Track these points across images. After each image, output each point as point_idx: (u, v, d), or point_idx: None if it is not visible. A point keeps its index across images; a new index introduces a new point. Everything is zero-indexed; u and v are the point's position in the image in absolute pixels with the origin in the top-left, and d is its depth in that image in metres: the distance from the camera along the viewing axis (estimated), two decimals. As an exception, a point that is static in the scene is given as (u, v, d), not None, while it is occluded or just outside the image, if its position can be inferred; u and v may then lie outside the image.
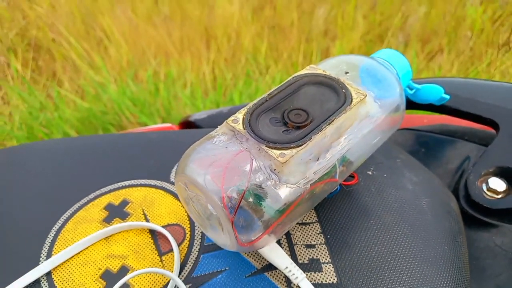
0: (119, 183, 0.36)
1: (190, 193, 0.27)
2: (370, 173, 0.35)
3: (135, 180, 0.36)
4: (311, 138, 0.26)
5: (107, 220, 0.34)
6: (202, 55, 1.66)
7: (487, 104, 0.39)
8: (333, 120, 0.27)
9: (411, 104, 0.40)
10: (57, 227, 0.33)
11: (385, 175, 0.35)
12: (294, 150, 0.26)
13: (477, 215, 0.36)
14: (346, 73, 0.32)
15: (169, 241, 0.31)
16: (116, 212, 0.34)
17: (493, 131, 0.40)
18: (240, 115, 0.28)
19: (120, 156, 0.38)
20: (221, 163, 0.26)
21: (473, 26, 2.02)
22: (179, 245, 0.31)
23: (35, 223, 0.34)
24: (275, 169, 0.25)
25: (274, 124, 0.28)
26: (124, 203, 0.35)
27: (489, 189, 0.36)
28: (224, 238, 0.27)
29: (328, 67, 0.33)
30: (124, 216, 0.34)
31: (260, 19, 1.93)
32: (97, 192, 0.36)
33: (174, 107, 1.44)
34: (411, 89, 0.38)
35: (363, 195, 0.33)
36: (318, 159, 0.27)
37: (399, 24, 2.06)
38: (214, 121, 0.48)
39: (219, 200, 0.25)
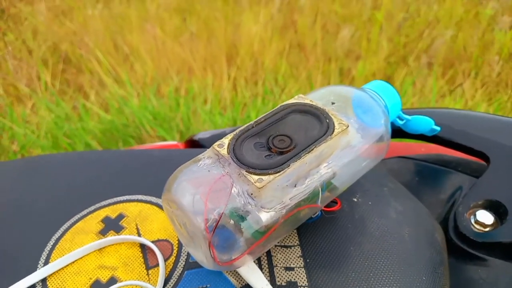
0: (117, 198, 0.38)
1: (174, 211, 0.29)
2: (355, 200, 0.36)
3: (133, 196, 0.38)
4: (289, 165, 0.28)
5: (103, 232, 0.36)
6: (224, 73, 1.70)
7: (478, 137, 0.40)
8: (312, 149, 0.29)
9: (403, 134, 0.41)
10: (57, 236, 0.35)
11: (370, 203, 0.35)
12: (271, 176, 0.27)
13: (464, 246, 0.36)
14: (333, 103, 0.33)
15: (157, 255, 0.33)
16: (112, 225, 0.36)
17: (484, 163, 0.40)
18: (226, 140, 0.30)
19: (121, 171, 0.41)
20: (203, 186, 0.27)
21: (501, 51, 1.99)
22: (166, 260, 0.33)
23: (37, 231, 0.36)
24: (252, 194, 0.27)
25: (258, 149, 0.30)
26: (120, 217, 0.37)
27: (477, 221, 0.37)
28: (202, 256, 0.29)
29: (317, 97, 0.34)
30: (118, 229, 0.36)
31: (283, 39, 1.97)
32: (97, 205, 0.38)
33: (193, 122, 1.48)
34: (402, 120, 0.39)
35: (345, 222, 0.34)
36: (295, 186, 0.28)
37: (424, 47, 2.05)
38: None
39: (198, 221, 0.27)
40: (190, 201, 0.27)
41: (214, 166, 0.28)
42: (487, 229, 0.36)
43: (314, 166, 0.29)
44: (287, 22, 2.14)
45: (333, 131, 0.30)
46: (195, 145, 0.52)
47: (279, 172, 0.27)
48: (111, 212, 0.37)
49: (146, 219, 0.36)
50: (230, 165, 0.28)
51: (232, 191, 0.27)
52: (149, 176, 0.40)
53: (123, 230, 0.36)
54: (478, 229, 0.37)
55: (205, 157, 0.29)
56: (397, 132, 0.42)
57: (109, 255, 0.34)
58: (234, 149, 0.29)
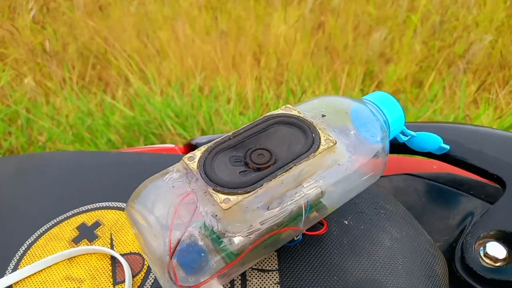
0: (97, 204, 0.36)
1: (134, 229, 0.27)
2: (346, 222, 0.32)
3: (113, 202, 0.37)
4: (262, 185, 0.25)
5: (76, 240, 0.34)
6: (249, 72, 1.68)
7: (494, 158, 0.35)
8: (291, 167, 0.26)
9: (410, 150, 0.37)
10: (30, 242, 0.34)
11: (362, 227, 0.32)
12: (240, 196, 0.24)
13: (470, 281, 0.32)
14: (323, 116, 0.30)
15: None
16: (87, 233, 0.34)
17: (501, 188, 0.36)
18: (198, 153, 0.27)
19: (105, 175, 0.39)
20: (164, 205, 0.25)
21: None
22: (134, 275, 0.31)
23: (11, 235, 0.35)
24: (216, 215, 0.24)
25: (234, 163, 0.27)
26: (96, 224, 0.35)
27: (486, 254, 0.33)
28: (161, 277, 0.26)
29: (307, 108, 0.31)
30: (92, 238, 0.34)
31: (312, 40, 1.92)
32: (75, 210, 0.36)
33: (215, 122, 1.47)
34: (406, 136, 0.35)
35: (332, 247, 0.31)
36: (268, 208, 0.25)
37: (460, 52, 1.96)
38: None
39: (153, 245, 0.24)
40: (148, 221, 0.25)
41: (180, 182, 0.26)
42: (498, 264, 0.32)
43: (292, 187, 0.26)
44: (317, 23, 2.10)
45: (318, 148, 0.27)
46: (193, 149, 0.50)
47: (249, 192, 0.24)
48: (88, 219, 0.35)
49: (121, 229, 0.34)
50: (197, 181, 0.26)
51: (197, 211, 0.25)
52: (133, 182, 0.38)
53: (96, 239, 0.34)
54: (487, 263, 0.33)
55: (174, 170, 0.27)
56: (403, 147, 0.38)
57: (79, 265, 0.32)
58: (205, 163, 0.26)
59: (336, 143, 0.27)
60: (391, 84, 1.74)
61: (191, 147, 0.50)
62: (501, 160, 0.35)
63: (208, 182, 0.25)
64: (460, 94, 1.61)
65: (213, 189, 0.25)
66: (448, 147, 0.34)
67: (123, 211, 0.36)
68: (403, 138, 0.35)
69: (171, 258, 0.24)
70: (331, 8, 2.20)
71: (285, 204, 0.26)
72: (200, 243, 0.25)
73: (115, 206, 0.36)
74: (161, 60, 1.72)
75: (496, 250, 0.32)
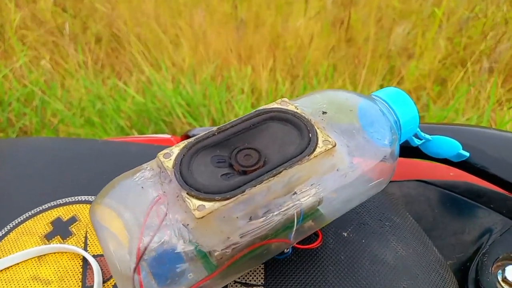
0: (75, 197, 0.34)
1: (98, 232, 0.23)
2: (345, 234, 0.29)
3: (93, 197, 0.34)
4: (244, 191, 0.21)
5: (49, 237, 0.31)
6: (265, 64, 1.64)
7: (521, 170, 0.31)
8: (281, 171, 0.22)
9: (423, 155, 0.33)
10: (0, 235, 0.31)
11: (363, 241, 0.28)
12: (217, 204, 0.21)
13: (485, 308, 0.28)
14: (324, 113, 0.26)
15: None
16: (61, 229, 0.32)
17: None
18: (176, 149, 0.24)
19: (87, 166, 0.36)
20: (131, 208, 0.22)
21: None
22: (105, 281, 0.28)
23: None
24: (188, 225, 0.21)
25: (216, 164, 0.24)
26: (72, 220, 0.32)
27: (505, 279, 0.28)
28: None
29: (306, 103, 0.27)
30: (66, 235, 0.31)
31: (333, 32, 1.87)
32: (52, 203, 0.33)
33: (226, 113, 1.43)
34: (420, 139, 0.31)
35: (327, 262, 0.27)
36: (250, 219, 0.22)
37: (487, 50, 1.87)
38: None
39: (121, 252, 0.21)
40: (114, 226, 0.21)
41: (151, 182, 0.23)
42: (518, 291, 0.28)
43: (280, 195, 0.22)
44: (340, 15, 2.03)
45: (314, 150, 0.23)
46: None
47: (228, 198, 0.21)
48: (64, 213, 0.33)
49: (98, 228, 0.31)
50: (170, 183, 0.22)
51: (166, 219, 0.21)
52: (116, 174, 0.35)
53: (70, 237, 0.31)
54: (506, 289, 0.28)
55: (147, 168, 0.24)
56: (416, 151, 0.34)
57: (48, 265, 0.29)
58: (182, 162, 0.23)
59: (335, 146, 0.23)
60: (412, 81, 1.68)
61: (188, 138, 0.47)
62: (529, 172, 0.30)
63: (182, 184, 0.22)
64: (484, 95, 1.54)
65: (187, 193, 0.21)
66: (467, 154, 0.30)
67: (102, 207, 0.33)
68: (417, 142, 0.31)
69: (134, 271, 0.21)
70: (354, 0, 2.12)
71: (271, 215, 0.22)
72: (177, 252, 0.21)
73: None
74: (176, 48, 1.69)
75: (517, 275, 0.28)
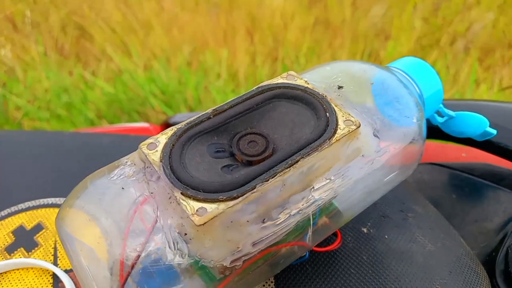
0: (40, 200, 0.28)
1: (67, 245, 0.18)
2: (365, 230, 0.25)
3: (61, 199, 0.28)
4: (254, 187, 0.17)
5: (10, 250, 0.26)
6: (242, 47, 1.58)
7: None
8: (297, 161, 0.18)
9: (440, 134, 0.29)
10: None
11: (386, 237, 0.24)
12: (222, 205, 0.16)
13: (519, 304, 0.25)
14: (340, 87, 0.22)
15: (68, 295, 0.23)
16: (24, 239, 0.26)
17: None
18: (163, 137, 0.19)
19: (53, 163, 0.31)
20: (109, 214, 0.17)
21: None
22: (81, 302, 0.23)
23: None
24: (186, 234, 0.16)
25: (213, 154, 0.19)
26: (37, 228, 0.27)
27: (542, 271, 0.25)
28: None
29: (317, 77, 0.23)
30: (31, 246, 0.26)
31: (309, 14, 1.82)
32: (12, 209, 0.28)
33: (203, 99, 1.38)
34: (442, 116, 0.27)
35: (348, 265, 0.23)
36: (264, 221, 0.17)
37: (462, 30, 1.88)
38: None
39: (96, 270, 0.16)
40: (86, 237, 0.17)
41: (134, 181, 0.18)
42: (557, 283, 0.25)
43: (298, 189, 0.18)
44: (314, -4, 1.99)
45: (335, 133, 0.19)
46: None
47: (235, 198, 0.16)
48: (28, 220, 0.27)
49: (69, 236, 0.26)
50: (158, 181, 0.17)
51: (157, 227, 0.16)
52: (88, 171, 0.30)
53: (36, 248, 0.26)
54: (542, 281, 0.25)
55: (127, 163, 0.19)
56: (432, 131, 0.30)
57: (10, 283, 0.24)
58: (171, 154, 0.18)
59: (359, 126, 0.19)
60: (388, 61, 1.66)
61: (168, 127, 0.42)
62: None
63: (174, 182, 0.17)
64: (463, 74, 1.54)
65: (181, 193, 0.16)
66: (494, 131, 0.26)
67: (73, 210, 0.28)
68: (439, 120, 0.27)
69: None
70: (331, -19, 2.08)
71: (288, 215, 0.18)
72: (170, 265, 0.17)
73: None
74: (146, 33, 1.61)
75: (555, 265, 0.25)
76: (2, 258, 0.25)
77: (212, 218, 0.16)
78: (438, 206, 0.32)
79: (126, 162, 0.19)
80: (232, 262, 0.16)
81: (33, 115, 1.30)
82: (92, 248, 0.17)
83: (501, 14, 1.96)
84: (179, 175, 0.17)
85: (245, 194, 0.16)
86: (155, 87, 1.36)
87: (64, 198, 0.28)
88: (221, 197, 0.16)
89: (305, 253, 0.22)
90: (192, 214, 0.16)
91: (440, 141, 0.33)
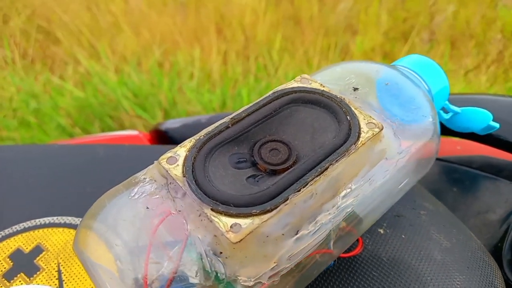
0: (36, 220, 0.26)
1: (88, 269, 0.17)
2: (381, 231, 0.24)
3: (59, 217, 0.27)
4: (287, 199, 0.16)
5: (9, 276, 0.24)
6: (213, 46, 1.56)
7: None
8: (326, 168, 0.17)
9: (442, 129, 0.30)
10: None
11: (403, 236, 0.24)
12: (256, 220, 0.15)
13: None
14: (356, 89, 0.21)
15: (80, 321, 0.22)
16: (24, 263, 0.25)
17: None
18: (182, 150, 0.18)
19: (47, 179, 0.29)
20: (132, 234, 0.16)
21: (504, 28, 1.89)
22: (95, 327, 0.22)
23: None
24: (221, 253, 0.15)
25: (235, 165, 0.18)
26: (37, 251, 0.25)
27: (550, 259, 0.26)
28: None
29: (329, 79, 0.22)
30: (32, 271, 0.24)
31: (278, 10, 1.83)
32: (7, 231, 0.26)
33: (179, 100, 1.35)
34: (447, 112, 0.27)
35: (370, 268, 0.22)
36: (297, 233, 0.17)
37: (425, 22, 1.93)
38: (190, 132, 0.38)
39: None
40: (108, 260, 0.15)
41: (157, 199, 0.17)
42: None
43: (329, 198, 0.17)
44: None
45: (359, 137, 0.18)
46: (162, 137, 0.40)
47: (269, 211, 0.16)
48: (25, 242, 0.25)
49: (73, 256, 0.25)
50: (185, 198, 0.16)
51: (188, 245, 0.16)
52: (85, 186, 0.28)
53: (38, 273, 0.24)
54: (549, 269, 0.26)
55: (146, 180, 0.18)
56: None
57: (12, 315, 0.23)
58: (194, 168, 0.17)
59: (382, 129, 0.19)
60: (359, 56, 1.69)
61: (159, 134, 0.40)
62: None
63: (202, 197, 0.16)
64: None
65: (211, 210, 0.16)
66: (497, 125, 0.27)
67: (75, 229, 0.26)
68: (444, 116, 0.27)
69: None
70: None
71: (320, 225, 0.17)
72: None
73: (63, 222, 0.26)
74: (114, 35, 1.57)
75: (561, 253, 0.26)
76: (2, 286, 0.24)
77: (248, 234, 0.15)
78: (440, 200, 0.32)
79: (145, 178, 0.18)
80: (269, 278, 0.16)
81: (0, 124, 1.24)
82: (117, 273, 0.16)
83: (461, 6, 2.04)
84: (205, 189, 0.16)
85: (278, 206, 0.16)
86: (127, 91, 1.32)
87: (63, 217, 0.27)
88: (254, 211, 0.16)
89: (330, 262, 0.21)
90: (227, 231, 0.15)
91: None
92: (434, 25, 1.95)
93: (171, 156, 0.17)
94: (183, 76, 1.41)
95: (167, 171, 0.17)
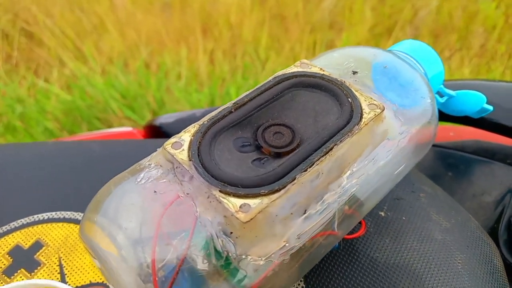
0: (35, 216, 0.26)
1: (94, 259, 0.17)
2: (383, 214, 0.25)
3: (58, 212, 0.26)
4: (294, 178, 0.16)
5: (9, 272, 0.24)
6: (199, 45, 1.56)
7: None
8: (331, 148, 0.17)
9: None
10: None
11: (403, 218, 0.24)
12: (265, 199, 0.15)
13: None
14: (355, 73, 0.22)
15: (86, 313, 0.21)
16: (24, 259, 0.24)
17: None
18: (186, 135, 0.18)
19: (45, 175, 0.28)
20: (143, 222, 0.16)
21: (486, 22, 1.92)
22: (101, 319, 0.22)
23: None
24: (231, 233, 0.15)
25: (240, 148, 0.18)
26: (36, 246, 0.25)
27: (545, 237, 0.26)
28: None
29: (328, 64, 0.22)
30: (33, 266, 0.24)
31: (263, 8, 1.83)
32: (5, 228, 0.26)
33: (167, 100, 1.34)
34: (442, 96, 0.27)
35: (372, 250, 0.23)
36: (305, 212, 0.17)
37: (409, 17, 1.95)
38: (185, 127, 0.38)
39: (130, 279, 0.15)
40: (117, 245, 0.15)
41: (165, 183, 0.17)
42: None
43: (335, 177, 0.18)
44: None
45: (361, 118, 0.19)
46: (156, 132, 0.40)
47: (278, 190, 0.16)
48: (24, 238, 0.25)
49: (74, 250, 0.25)
50: (192, 181, 0.16)
51: (197, 226, 0.16)
52: (82, 182, 0.28)
53: (39, 268, 0.24)
54: (545, 246, 0.26)
55: (152, 165, 0.18)
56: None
57: (15, 311, 0.22)
58: (200, 152, 0.17)
59: (384, 109, 0.19)
60: (346, 52, 1.70)
61: (153, 129, 0.40)
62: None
63: (210, 180, 0.16)
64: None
65: (220, 191, 0.16)
66: (491, 108, 0.27)
67: (74, 223, 0.26)
68: (439, 100, 0.27)
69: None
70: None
71: (327, 204, 0.17)
72: (201, 271, 0.16)
73: (62, 217, 0.26)
74: (100, 36, 1.55)
75: (556, 230, 0.26)
76: (2, 283, 0.23)
77: (257, 214, 0.15)
78: (436, 184, 0.32)
79: (150, 164, 0.18)
80: (279, 256, 0.16)
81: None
82: (122, 255, 0.16)
83: (444, 1, 2.06)
84: (213, 172, 0.16)
85: (286, 186, 0.16)
86: (114, 92, 1.31)
87: (61, 212, 0.26)
88: (263, 191, 0.16)
89: (336, 243, 0.21)
90: (236, 211, 0.15)
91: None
92: (418, 20, 1.97)
93: (176, 142, 0.17)
94: (171, 76, 1.41)
95: (172, 156, 0.17)
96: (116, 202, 0.17)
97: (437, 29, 1.94)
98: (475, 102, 0.27)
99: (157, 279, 0.15)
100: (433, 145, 0.35)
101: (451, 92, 0.27)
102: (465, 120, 0.31)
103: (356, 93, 0.20)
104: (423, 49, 0.25)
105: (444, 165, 0.34)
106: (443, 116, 0.31)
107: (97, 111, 1.31)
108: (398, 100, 0.21)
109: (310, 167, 0.17)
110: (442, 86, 0.26)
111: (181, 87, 1.37)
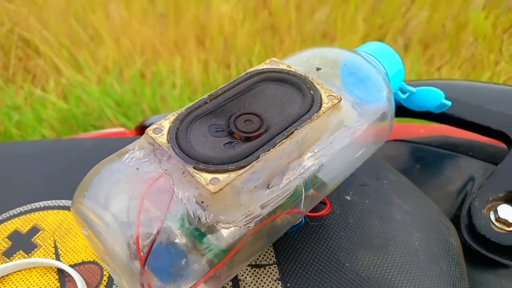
0: (32, 204, 0.28)
1: (86, 231, 0.20)
2: (348, 198, 0.27)
3: (53, 201, 0.29)
4: (258, 157, 0.19)
5: (8, 254, 0.26)
6: (193, 55, 1.59)
7: (497, 113, 0.32)
8: (292, 132, 0.20)
9: (403, 111, 0.33)
10: None
11: (367, 202, 0.27)
12: (232, 174, 0.18)
13: (482, 251, 0.29)
14: (318, 69, 0.24)
15: (77, 285, 0.24)
16: (22, 242, 0.27)
17: (504, 146, 0.32)
18: (166, 122, 0.20)
19: (40, 168, 0.31)
20: (125, 194, 0.18)
21: (475, 31, 1.96)
22: (91, 292, 0.24)
23: None
24: (203, 202, 0.18)
25: (214, 133, 0.21)
26: (34, 231, 0.27)
27: (498, 219, 0.29)
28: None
29: (296, 62, 0.25)
30: (30, 248, 0.26)
31: (256, 20, 1.87)
32: (4, 215, 0.28)
33: (161, 108, 1.37)
34: (404, 93, 0.30)
35: (337, 229, 0.25)
36: (268, 187, 0.19)
37: (400, 27, 2.00)
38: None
39: (117, 250, 0.17)
40: (105, 218, 0.18)
41: (146, 162, 0.19)
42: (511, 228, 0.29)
43: (295, 157, 0.20)
44: (260, 2, 2.04)
45: (321, 107, 0.21)
46: (147, 132, 0.42)
47: (243, 167, 0.18)
48: (22, 224, 0.27)
49: (68, 233, 0.27)
50: (170, 160, 0.19)
51: (174, 198, 0.18)
52: (75, 174, 0.30)
53: (36, 249, 0.26)
54: (500, 228, 0.29)
55: (135, 148, 0.20)
56: (396, 111, 0.33)
57: (15, 285, 0.24)
58: (177, 136, 0.20)
59: (341, 100, 0.22)
60: (338, 61, 1.73)
61: (144, 129, 0.43)
62: (505, 115, 0.31)
63: (185, 158, 0.18)
64: (407, 70, 1.64)
65: (193, 168, 0.18)
66: (449, 103, 0.30)
67: (68, 210, 0.28)
68: (401, 95, 0.30)
69: (143, 264, 0.17)
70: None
71: (288, 180, 0.20)
72: (178, 240, 0.18)
73: (56, 205, 0.28)
74: (96, 45, 1.58)
75: (509, 213, 0.29)
76: (2, 263, 0.26)
77: (225, 186, 0.18)
78: (406, 176, 0.35)
79: (134, 147, 0.20)
80: (245, 223, 0.18)
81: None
82: (110, 226, 0.18)
83: (434, 11, 2.11)
84: (188, 152, 0.19)
85: (251, 163, 0.18)
86: (110, 100, 1.34)
87: (56, 200, 0.29)
88: (231, 167, 0.18)
89: (300, 219, 0.24)
90: (207, 184, 0.18)
91: (402, 120, 0.36)
92: (409, 29, 2.02)
93: (156, 127, 0.20)
94: (165, 85, 1.43)
95: (153, 139, 0.19)
96: (104, 178, 0.19)
97: (427, 39, 1.99)
98: (434, 97, 0.30)
99: (139, 244, 0.18)
100: (404, 140, 0.38)
101: (412, 88, 0.29)
102: (430, 115, 0.33)
103: (317, 86, 0.22)
104: (385, 50, 0.28)
105: (413, 158, 0.36)
106: (410, 113, 0.34)
107: (92, 119, 1.33)
108: (357, 93, 0.24)
109: (273, 147, 0.19)
110: (403, 83, 0.29)
111: (175, 95, 1.40)
